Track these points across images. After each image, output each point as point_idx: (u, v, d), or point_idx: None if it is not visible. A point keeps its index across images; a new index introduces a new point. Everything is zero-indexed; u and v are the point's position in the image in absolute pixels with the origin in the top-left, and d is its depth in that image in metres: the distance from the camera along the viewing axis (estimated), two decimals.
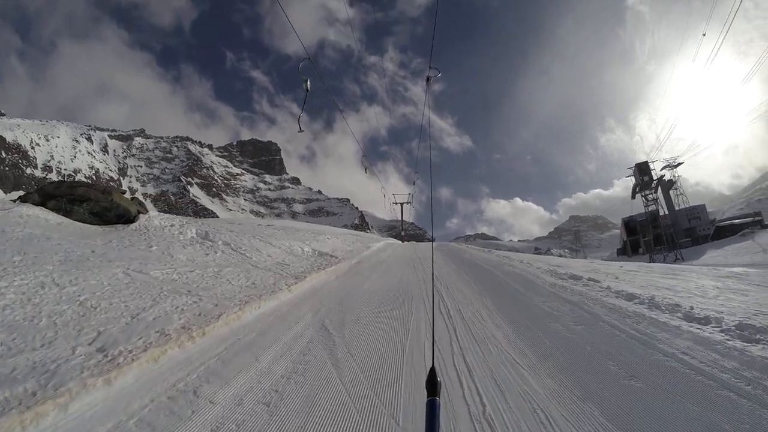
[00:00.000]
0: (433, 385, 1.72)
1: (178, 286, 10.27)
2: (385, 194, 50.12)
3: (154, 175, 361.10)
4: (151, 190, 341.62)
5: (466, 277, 15.06)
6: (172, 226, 17.89)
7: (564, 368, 5.91)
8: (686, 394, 4.99)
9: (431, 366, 1.80)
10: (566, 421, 4.58)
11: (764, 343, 6.22)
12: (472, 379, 5.67)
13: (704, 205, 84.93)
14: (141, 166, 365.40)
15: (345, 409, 4.91)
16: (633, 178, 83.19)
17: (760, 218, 76.05)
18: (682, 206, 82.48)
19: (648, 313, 8.39)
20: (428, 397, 1.66)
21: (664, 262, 64.45)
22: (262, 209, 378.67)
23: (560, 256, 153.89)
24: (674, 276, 14.63)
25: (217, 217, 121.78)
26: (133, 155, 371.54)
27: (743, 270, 16.59)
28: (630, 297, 9.95)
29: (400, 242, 45.84)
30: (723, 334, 6.77)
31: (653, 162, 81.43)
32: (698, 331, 7.04)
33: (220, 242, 16.93)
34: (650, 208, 79.52)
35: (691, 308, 8.36)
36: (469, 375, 5.80)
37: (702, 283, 12.52)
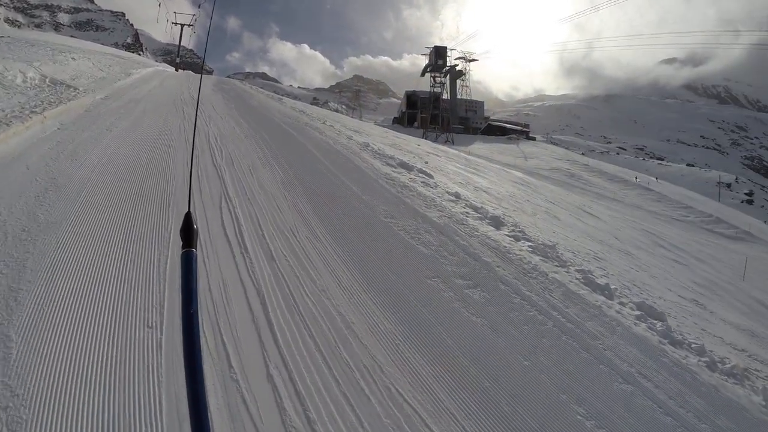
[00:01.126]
0: (188, 234, 1.38)
1: None
2: (166, 13, 43.58)
3: None
4: None
5: (259, 146, 11.42)
6: None
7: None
8: None
9: (187, 211, 1.41)
10: None
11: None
12: None
13: (483, 102, 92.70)
14: None
15: None
16: (428, 58, 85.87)
17: (528, 130, 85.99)
18: (465, 97, 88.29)
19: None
20: (183, 248, 1.35)
21: (435, 141, 68.81)
22: (19, 17, 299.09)
23: (336, 110, 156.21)
24: (477, 172, 18.55)
25: None
26: None
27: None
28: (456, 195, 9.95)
29: (174, 70, 42.16)
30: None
31: (451, 50, 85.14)
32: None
33: None
34: (436, 90, 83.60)
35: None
36: None
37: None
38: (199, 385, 1.00)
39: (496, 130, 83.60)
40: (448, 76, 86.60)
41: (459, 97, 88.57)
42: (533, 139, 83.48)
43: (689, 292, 11.53)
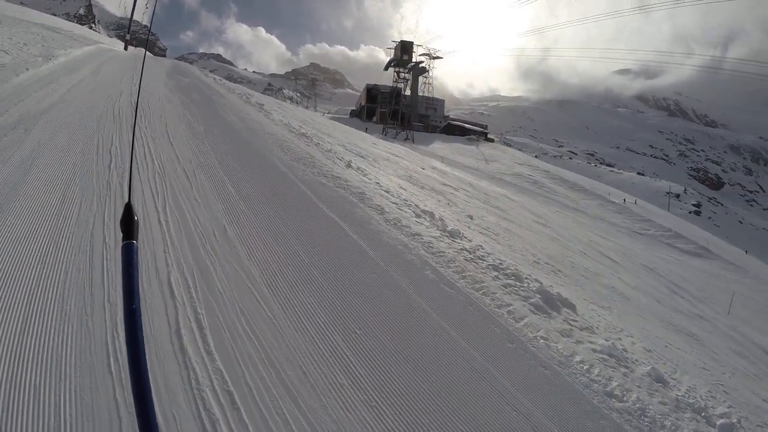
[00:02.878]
0: (128, 225, 1.36)
1: None
2: None
3: None
4: None
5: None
6: None
7: None
8: None
9: (127, 202, 1.41)
10: None
11: None
12: None
13: (444, 100, 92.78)
14: None
15: None
16: (393, 52, 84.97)
17: (487, 131, 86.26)
18: (427, 95, 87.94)
19: None
20: (123, 240, 1.32)
21: (395, 138, 68.63)
22: None
23: (290, 98, 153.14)
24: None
25: None
26: None
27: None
28: None
29: (123, 48, 37.37)
30: None
31: (418, 46, 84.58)
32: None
33: None
34: (399, 85, 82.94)
35: None
36: None
37: None
38: (144, 384, 0.99)
39: (455, 130, 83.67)
40: (410, 73, 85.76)
41: (420, 94, 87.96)
42: (492, 140, 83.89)
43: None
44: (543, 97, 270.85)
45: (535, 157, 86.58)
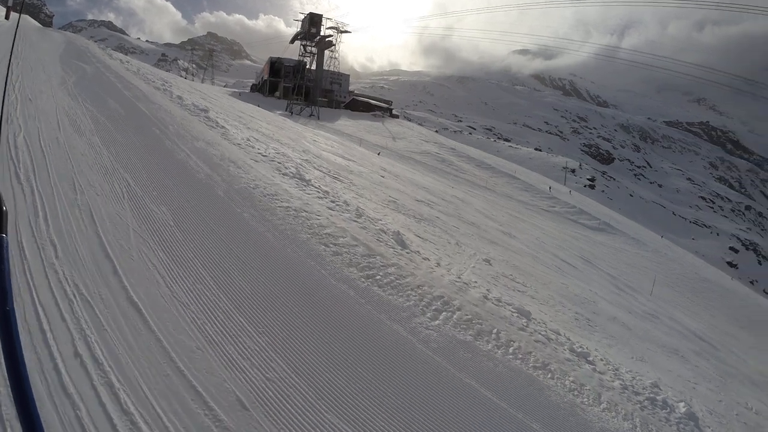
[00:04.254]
0: None
1: None
2: None
3: None
4: None
5: None
6: None
7: None
8: None
9: None
10: None
11: None
12: None
13: (349, 75, 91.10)
14: None
15: None
16: (300, 25, 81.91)
17: (392, 107, 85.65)
18: (332, 69, 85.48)
19: None
20: None
21: (300, 114, 67.08)
22: None
23: (185, 70, 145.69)
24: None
25: None
26: None
27: None
28: None
29: (4, 17, 33.68)
30: None
31: (327, 19, 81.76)
32: None
33: None
34: (306, 59, 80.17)
35: None
36: None
37: None
38: (25, 388, 0.95)
39: (360, 106, 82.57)
40: (317, 46, 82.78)
41: (326, 68, 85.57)
42: (396, 116, 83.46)
43: None
44: (443, 72, 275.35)
45: (436, 131, 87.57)
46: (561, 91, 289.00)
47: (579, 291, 13.61)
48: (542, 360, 6.25)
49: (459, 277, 8.63)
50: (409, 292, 6.91)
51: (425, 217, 14.28)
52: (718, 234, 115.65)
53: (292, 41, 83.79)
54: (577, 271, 18.01)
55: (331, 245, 7.53)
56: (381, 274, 7.20)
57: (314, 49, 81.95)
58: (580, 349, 7.28)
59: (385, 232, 9.36)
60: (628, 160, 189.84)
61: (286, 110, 69.07)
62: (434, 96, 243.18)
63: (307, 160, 14.50)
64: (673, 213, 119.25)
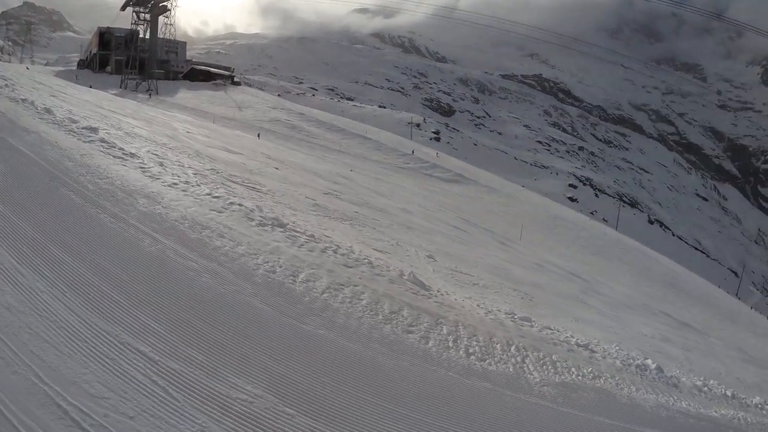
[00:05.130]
0: None
1: None
2: None
3: None
4: None
5: None
6: None
7: None
8: None
9: None
10: None
11: None
12: None
13: (185, 43, 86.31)
14: None
15: None
16: None
17: (233, 74, 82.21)
18: (167, 37, 79.16)
19: None
20: None
21: (136, 90, 63.13)
22: None
23: (0, 49, 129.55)
24: None
25: None
26: None
27: None
28: None
29: None
30: None
31: None
32: None
33: None
34: (140, 27, 73.88)
35: None
36: None
37: None
38: None
39: (199, 75, 78.50)
40: (150, 13, 75.64)
41: (161, 36, 79.00)
42: (239, 83, 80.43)
43: None
44: (282, 34, 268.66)
45: (278, 95, 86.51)
46: (401, 48, 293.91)
47: (495, 262, 14.52)
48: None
49: (479, 306, 8.47)
50: (467, 341, 6.58)
51: (349, 216, 14.19)
52: (557, 174, 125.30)
53: (123, 8, 76.09)
54: (469, 235, 19.30)
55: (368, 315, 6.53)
56: (433, 334, 6.61)
57: (148, 16, 75.50)
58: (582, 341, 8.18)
59: (389, 269, 8.71)
60: (469, 111, 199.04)
61: (120, 87, 64.23)
62: (273, 59, 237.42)
63: (214, 169, 13.37)
64: (515, 158, 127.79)
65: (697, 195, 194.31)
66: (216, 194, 9.64)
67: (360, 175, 29.37)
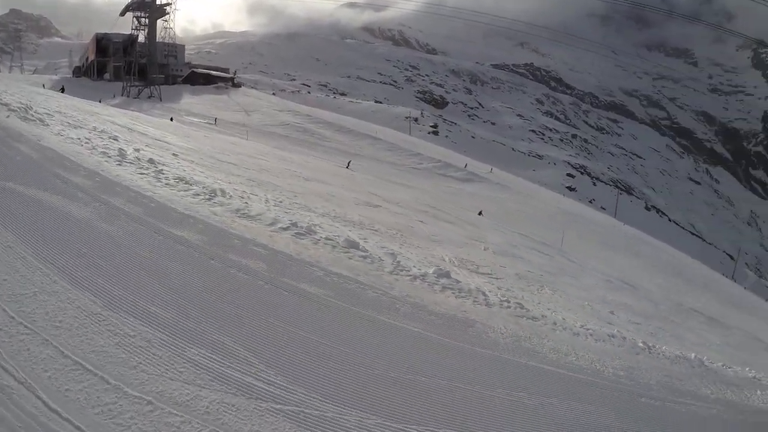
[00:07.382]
0: None
1: None
2: None
3: None
4: None
5: None
6: None
7: None
8: None
9: None
10: None
11: None
12: None
13: (184, 46, 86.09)
14: None
15: None
16: None
17: (233, 76, 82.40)
18: (166, 41, 78.41)
19: None
20: None
21: (138, 97, 63.22)
22: None
23: None
24: None
25: None
26: None
27: None
28: None
29: None
30: None
31: None
32: None
33: None
34: (140, 32, 73.33)
35: None
36: None
37: None
38: None
39: (200, 78, 77.62)
40: (149, 16, 73.89)
41: (159, 40, 76.91)
42: (239, 85, 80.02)
43: None
44: (271, 30, 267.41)
45: (273, 94, 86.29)
46: (391, 41, 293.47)
47: (525, 267, 14.35)
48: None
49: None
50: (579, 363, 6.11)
51: (405, 230, 13.55)
52: (555, 164, 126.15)
53: (123, 13, 74.82)
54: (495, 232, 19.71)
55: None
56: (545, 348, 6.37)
57: (148, 20, 73.35)
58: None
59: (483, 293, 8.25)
60: (462, 102, 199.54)
61: (122, 95, 64.25)
62: (264, 56, 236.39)
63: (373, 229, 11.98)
64: (513, 149, 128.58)
65: (690, 179, 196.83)
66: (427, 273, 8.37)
67: (395, 189, 26.86)
